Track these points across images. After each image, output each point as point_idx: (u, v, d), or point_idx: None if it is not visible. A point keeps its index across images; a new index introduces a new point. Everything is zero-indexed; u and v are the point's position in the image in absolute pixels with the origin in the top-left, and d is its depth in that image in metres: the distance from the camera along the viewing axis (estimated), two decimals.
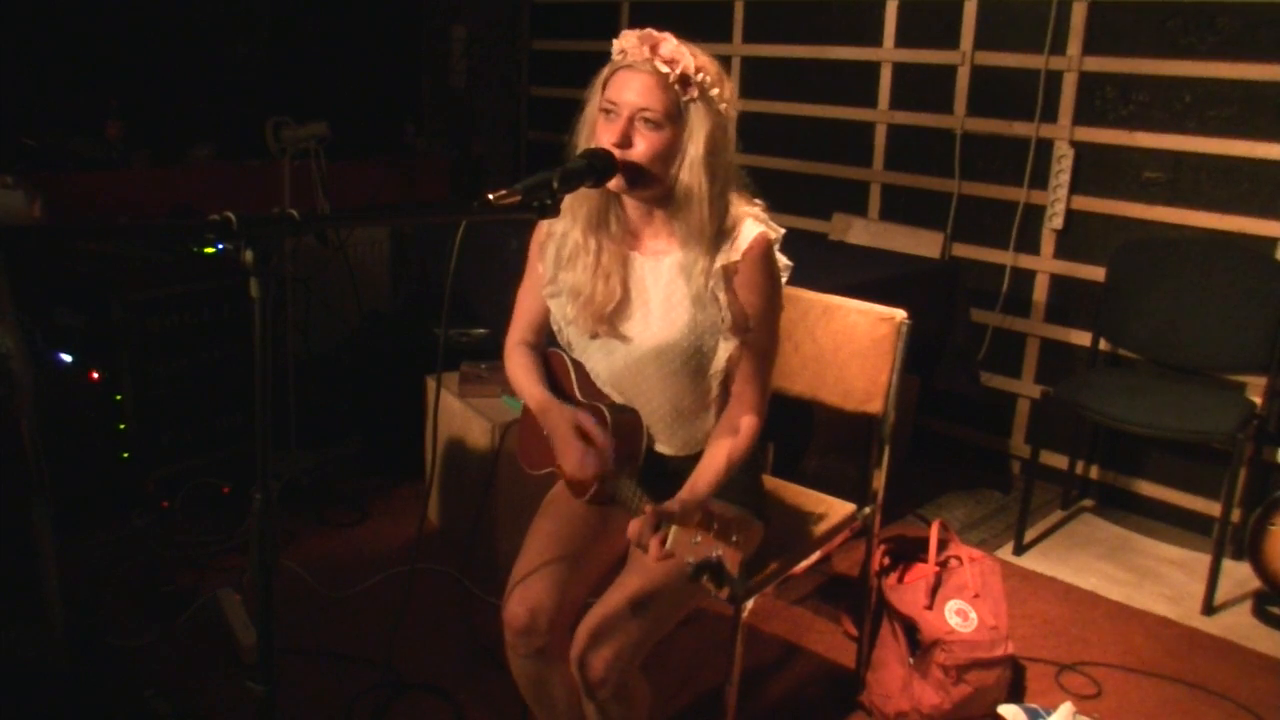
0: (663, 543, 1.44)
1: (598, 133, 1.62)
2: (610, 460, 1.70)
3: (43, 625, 2.07)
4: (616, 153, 1.58)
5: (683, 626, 1.81)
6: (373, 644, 2.43)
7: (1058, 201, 3.39)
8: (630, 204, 1.71)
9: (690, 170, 1.61)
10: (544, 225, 1.79)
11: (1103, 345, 3.32)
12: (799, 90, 4.00)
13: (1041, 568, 3.03)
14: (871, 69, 3.79)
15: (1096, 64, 3.26)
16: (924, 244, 3.63)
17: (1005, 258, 3.55)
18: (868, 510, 2.21)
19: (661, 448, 1.83)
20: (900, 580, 2.34)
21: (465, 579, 2.76)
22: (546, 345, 1.93)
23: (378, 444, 3.46)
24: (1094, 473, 3.50)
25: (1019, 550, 3.12)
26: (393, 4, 4.52)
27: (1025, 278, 3.54)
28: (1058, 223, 3.41)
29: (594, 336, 1.78)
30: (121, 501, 2.98)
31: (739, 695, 1.94)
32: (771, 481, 2.25)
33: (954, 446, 3.80)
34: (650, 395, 1.78)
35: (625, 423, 1.76)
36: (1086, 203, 3.36)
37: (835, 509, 2.19)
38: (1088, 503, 3.49)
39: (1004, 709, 2.27)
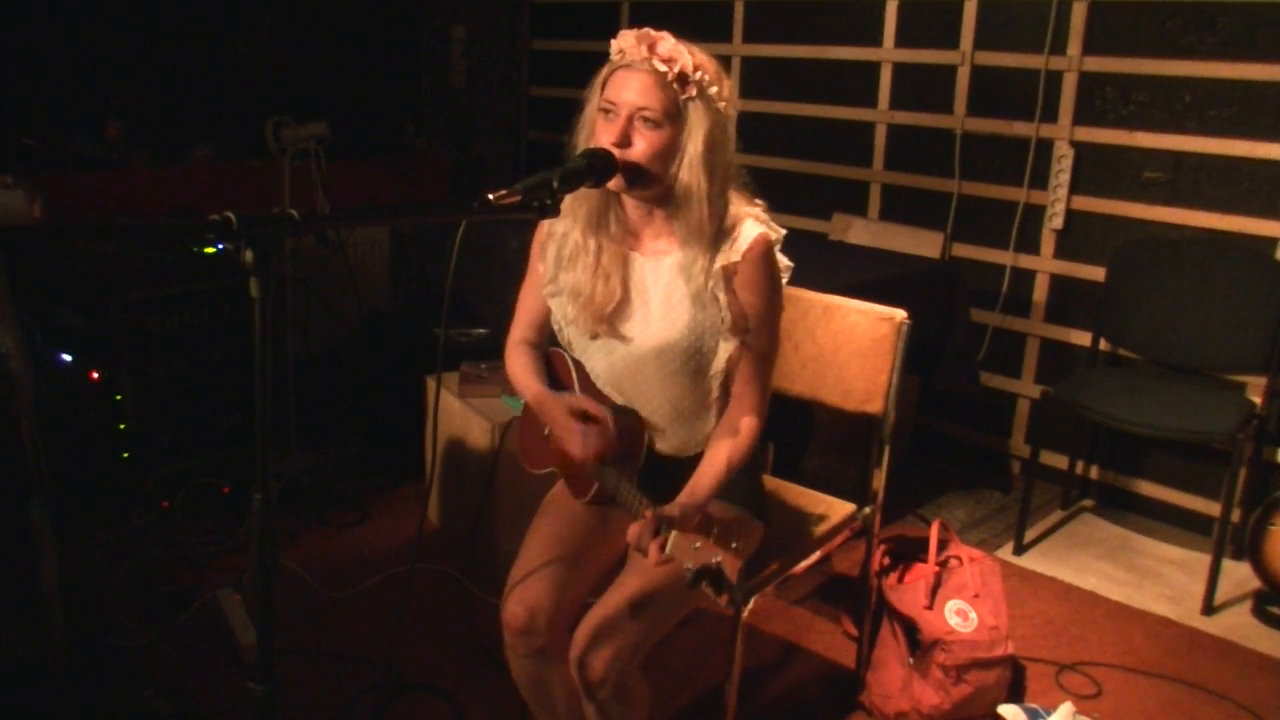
0: (662, 547, 1.44)
1: (597, 133, 1.62)
2: (612, 430, 1.70)
3: (43, 625, 2.06)
4: (616, 152, 1.58)
5: (683, 626, 1.81)
6: (373, 644, 2.43)
7: (1058, 201, 3.39)
8: (630, 204, 1.71)
9: (689, 169, 1.61)
10: (545, 225, 1.79)
11: (1103, 345, 3.32)
12: (799, 90, 4.00)
13: (1041, 568, 3.03)
14: (871, 69, 3.79)
15: (1096, 64, 3.26)
16: (924, 244, 3.63)
17: (1005, 258, 3.55)
18: (868, 510, 2.21)
19: (661, 448, 1.83)
20: (900, 580, 2.34)
21: (465, 579, 2.76)
22: (548, 345, 1.93)
23: (378, 444, 3.46)
24: (1094, 473, 3.50)
25: (1019, 550, 3.12)
26: (393, 4, 4.52)
27: (1025, 278, 3.54)
28: (1058, 223, 3.41)
29: (594, 337, 1.78)
30: (121, 501, 2.98)
31: (739, 695, 1.94)
32: (771, 481, 2.24)
33: (954, 446, 3.80)
34: (650, 396, 1.78)
35: (626, 424, 1.76)
36: (1086, 203, 3.36)
37: (835, 509, 2.19)
38: (1088, 503, 3.49)
39: (1004, 709, 2.27)
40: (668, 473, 1.80)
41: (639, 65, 1.58)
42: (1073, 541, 3.23)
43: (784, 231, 1.75)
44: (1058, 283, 3.48)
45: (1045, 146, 3.40)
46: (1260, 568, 2.76)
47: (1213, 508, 3.16)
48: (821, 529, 2.12)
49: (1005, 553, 3.10)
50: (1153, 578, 3.02)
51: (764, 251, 1.67)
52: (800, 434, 2.88)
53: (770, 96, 4.05)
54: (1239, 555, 2.99)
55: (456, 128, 4.77)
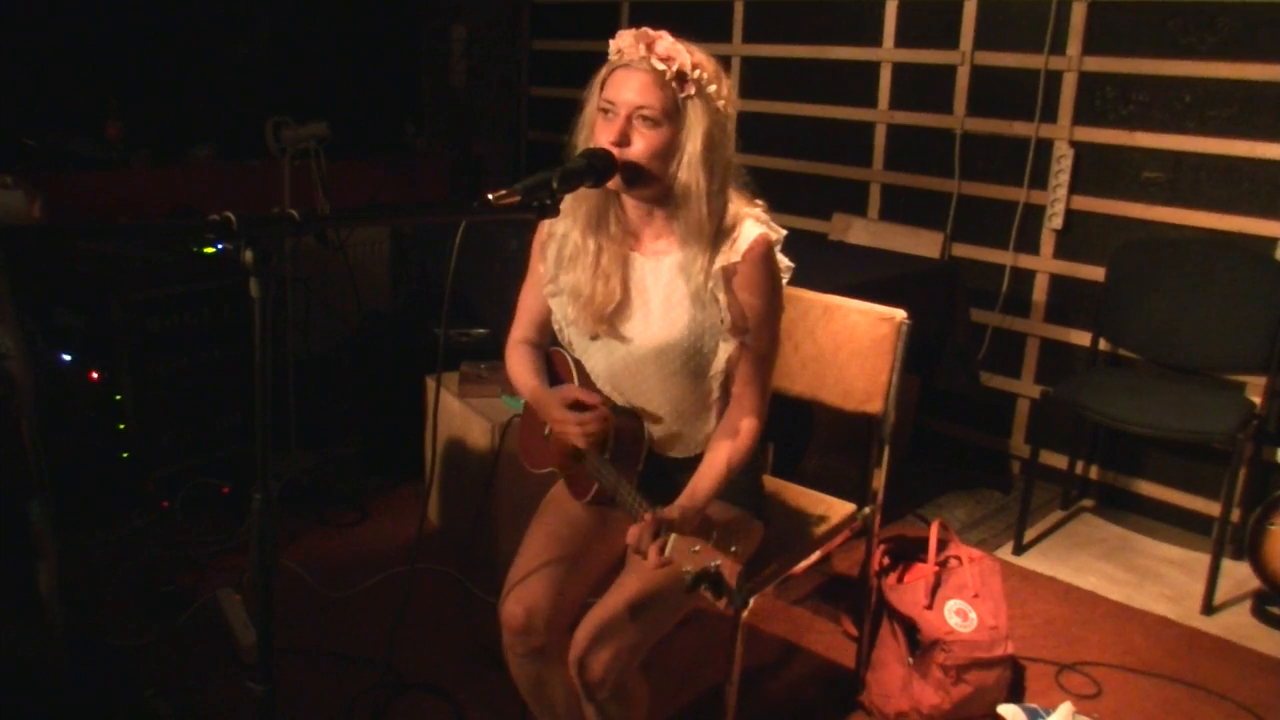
0: (661, 550, 1.44)
1: (596, 132, 1.62)
2: (608, 413, 1.71)
3: (43, 625, 2.06)
4: (615, 151, 1.58)
5: (683, 626, 1.81)
6: (373, 644, 2.43)
7: (1057, 201, 3.39)
8: (630, 204, 1.71)
9: (688, 168, 1.61)
10: (545, 225, 1.79)
11: (1103, 345, 3.32)
12: (799, 90, 4.00)
13: (1041, 568, 3.03)
14: (871, 69, 3.79)
15: (1096, 64, 3.26)
16: (924, 244, 3.63)
17: (1005, 258, 3.55)
18: (868, 510, 2.21)
19: (662, 449, 1.83)
20: (900, 580, 2.34)
21: (465, 579, 2.76)
22: (549, 344, 1.93)
23: (378, 444, 3.46)
24: (1094, 473, 3.50)
25: (1019, 550, 3.12)
26: (393, 4, 4.53)
27: (1025, 278, 3.54)
28: (1057, 223, 3.41)
29: (594, 338, 1.78)
30: (121, 501, 2.98)
31: (739, 695, 1.94)
32: (772, 482, 2.25)
33: (954, 446, 3.80)
34: (650, 396, 1.77)
35: (626, 425, 1.76)
36: (1086, 203, 3.36)
37: (835, 509, 2.19)
38: (1087, 503, 3.49)
39: (1004, 709, 2.27)
40: (668, 474, 1.80)
41: (637, 64, 1.58)
42: (1072, 541, 3.23)
43: (785, 232, 1.74)
44: (1058, 283, 3.48)
45: (1045, 146, 3.40)
46: (1260, 568, 2.76)
47: (1213, 508, 3.16)
48: (821, 529, 2.12)
49: (1005, 553, 3.10)
50: (1152, 578, 3.02)
51: (764, 252, 1.67)
52: (800, 434, 2.88)
53: (770, 96, 4.05)
54: (1239, 555, 2.99)
55: (456, 128, 4.77)
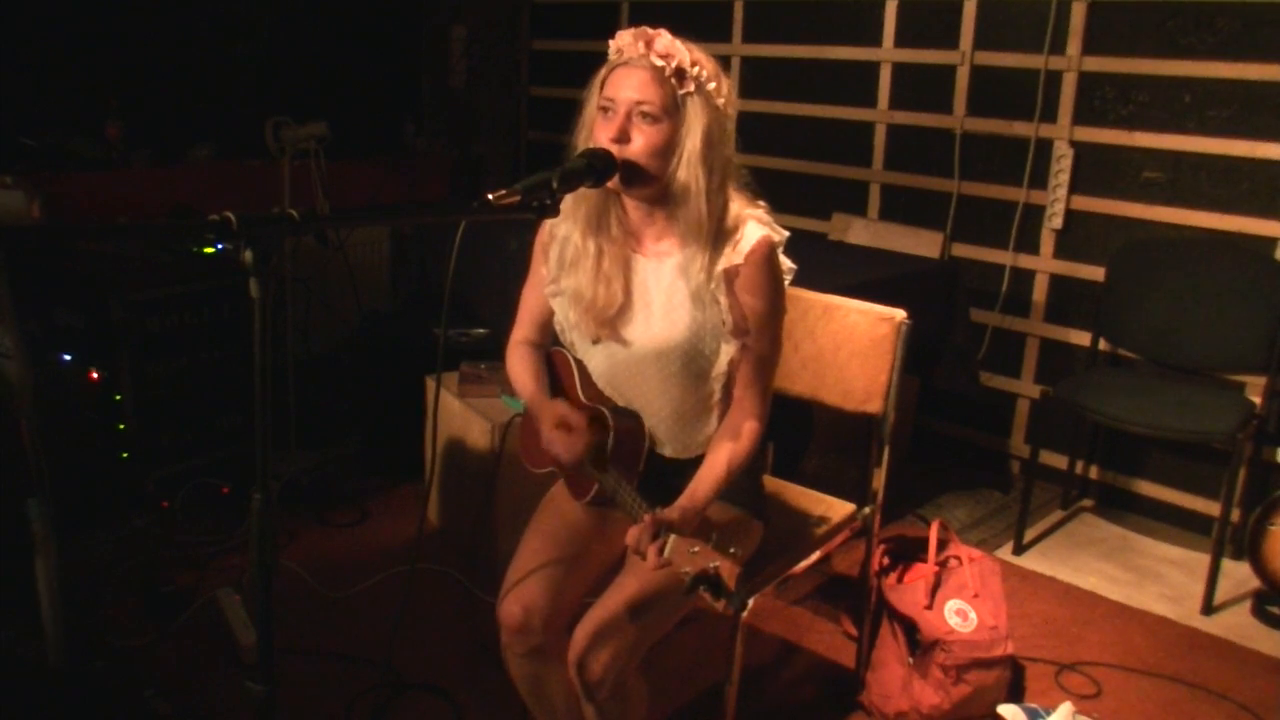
0: (660, 551, 1.44)
1: (596, 131, 1.62)
2: (586, 429, 1.72)
3: (43, 625, 2.06)
4: (615, 149, 1.58)
5: (683, 626, 1.81)
6: (373, 644, 2.43)
7: (1057, 201, 3.39)
8: (631, 205, 1.71)
9: (687, 165, 1.60)
10: (547, 227, 1.79)
11: (1102, 345, 3.32)
12: (799, 90, 4.00)
13: (1041, 568, 3.03)
14: (871, 69, 3.79)
15: (1096, 64, 3.26)
16: (924, 244, 3.63)
17: (1005, 258, 3.55)
18: (867, 510, 2.21)
19: (662, 450, 1.83)
20: (900, 580, 2.34)
21: (465, 579, 2.76)
22: (550, 344, 1.93)
23: (378, 444, 3.46)
24: (1094, 473, 3.50)
25: (1019, 550, 3.12)
26: (393, 4, 4.53)
27: (1025, 278, 3.54)
28: (1057, 223, 3.41)
29: (596, 341, 1.77)
30: (121, 501, 2.98)
31: (739, 695, 1.94)
32: (772, 482, 2.25)
33: (954, 446, 3.80)
34: (651, 398, 1.77)
35: (627, 426, 1.76)
36: (1086, 203, 3.36)
37: (835, 509, 2.19)
38: (1087, 503, 3.49)
39: (1004, 709, 2.27)
40: (668, 475, 1.79)
41: (636, 62, 1.58)
42: (1072, 541, 3.23)
43: (787, 233, 1.74)
44: (1057, 283, 3.48)
45: (1045, 146, 3.40)
46: (1260, 567, 2.76)
47: (1212, 508, 3.16)
48: (821, 529, 2.12)
49: (1005, 553, 3.10)
50: (1152, 578, 3.02)
51: (766, 254, 1.67)
52: (800, 434, 2.88)
53: (770, 96, 4.05)
54: (1239, 555, 2.99)
55: (456, 128, 4.77)
